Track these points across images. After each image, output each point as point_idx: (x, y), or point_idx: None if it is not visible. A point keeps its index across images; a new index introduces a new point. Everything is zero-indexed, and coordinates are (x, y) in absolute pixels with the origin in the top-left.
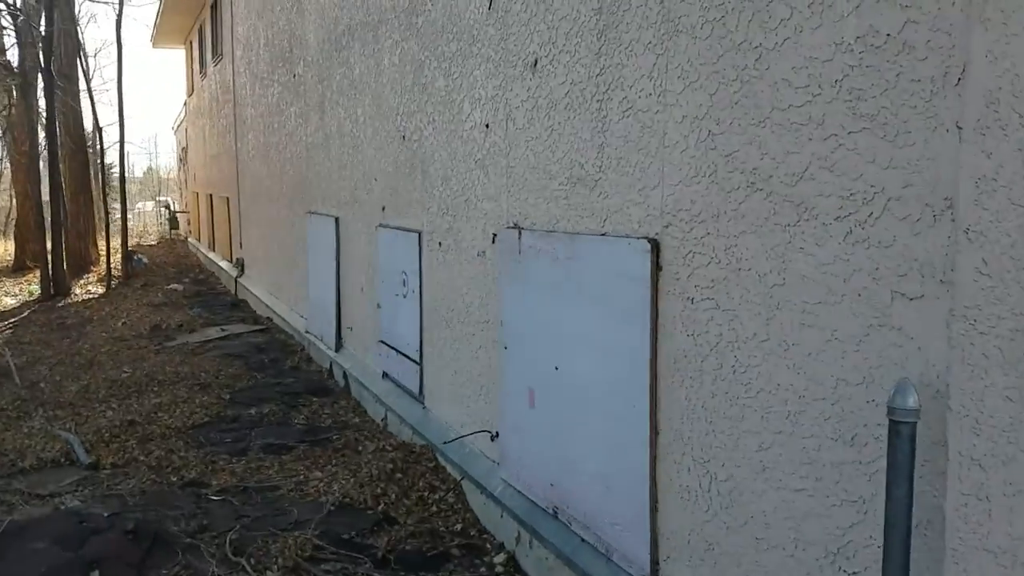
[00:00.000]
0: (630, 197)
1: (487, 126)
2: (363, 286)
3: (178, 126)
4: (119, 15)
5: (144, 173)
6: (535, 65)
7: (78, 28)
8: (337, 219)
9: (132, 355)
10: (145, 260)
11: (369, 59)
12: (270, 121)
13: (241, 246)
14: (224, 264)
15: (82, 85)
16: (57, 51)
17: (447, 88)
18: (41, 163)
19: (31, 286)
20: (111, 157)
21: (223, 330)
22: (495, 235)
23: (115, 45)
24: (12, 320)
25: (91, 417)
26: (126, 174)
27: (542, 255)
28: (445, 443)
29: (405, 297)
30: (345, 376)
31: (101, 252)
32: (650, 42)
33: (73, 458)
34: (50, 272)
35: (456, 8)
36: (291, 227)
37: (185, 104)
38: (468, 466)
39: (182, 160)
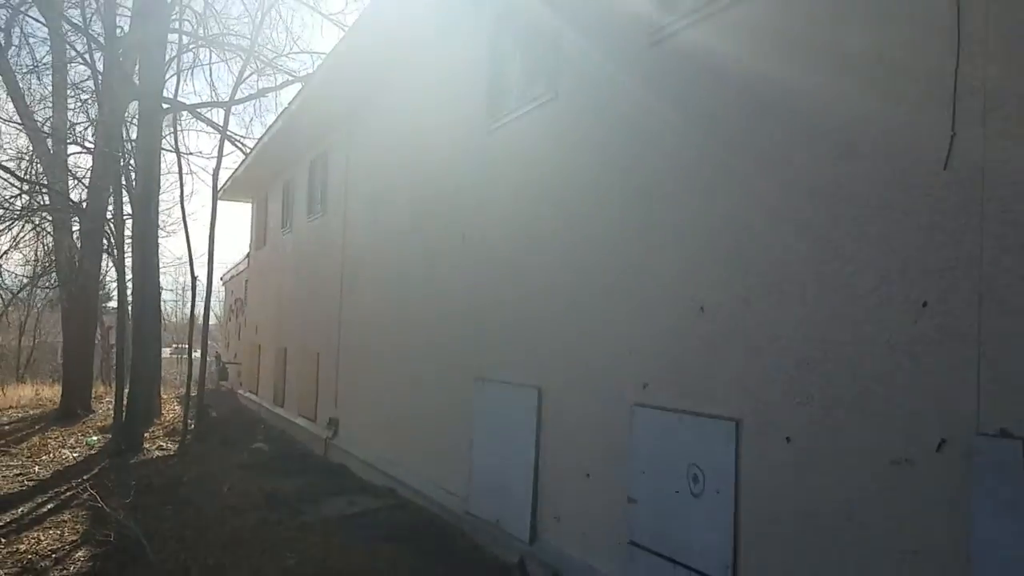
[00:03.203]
0: None
1: (924, 304)
2: (590, 471)
3: (231, 278)
4: (217, 167)
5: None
6: None
7: (182, 182)
8: (540, 390)
9: (275, 534)
10: (215, 413)
11: (621, 210)
12: (407, 280)
13: (336, 405)
14: (303, 423)
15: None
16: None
17: (826, 244)
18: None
19: (88, 437)
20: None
21: (352, 503)
22: (943, 440)
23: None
24: (85, 478)
25: None
26: (209, 320)
27: None
28: None
29: (697, 497)
30: None
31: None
32: None
33: None
34: (121, 424)
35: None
36: (440, 392)
37: (248, 257)
38: None
39: (233, 311)
